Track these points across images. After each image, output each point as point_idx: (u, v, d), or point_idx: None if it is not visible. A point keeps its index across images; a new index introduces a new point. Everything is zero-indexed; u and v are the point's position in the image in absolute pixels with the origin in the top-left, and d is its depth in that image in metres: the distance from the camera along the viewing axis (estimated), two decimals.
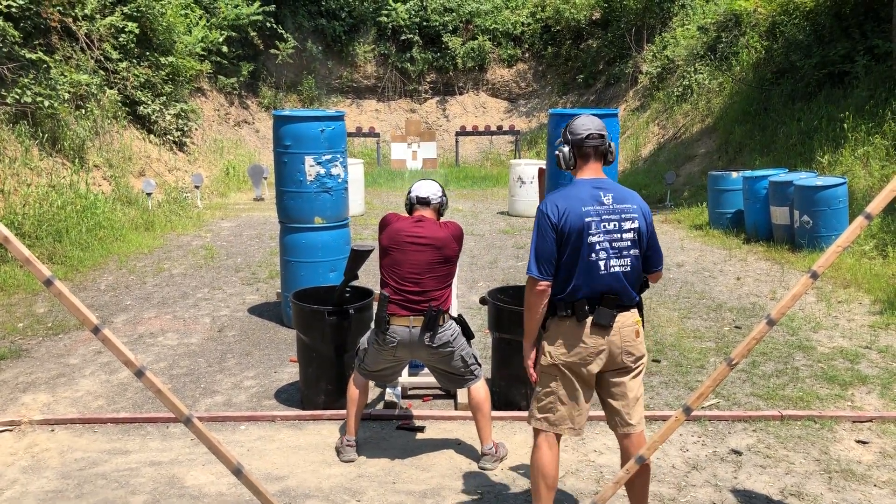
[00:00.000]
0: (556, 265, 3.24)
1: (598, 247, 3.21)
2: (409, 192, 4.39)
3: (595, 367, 3.28)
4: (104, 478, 4.16)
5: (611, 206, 3.25)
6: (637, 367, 3.36)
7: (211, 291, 8.15)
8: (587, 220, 3.20)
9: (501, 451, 4.32)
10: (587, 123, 3.35)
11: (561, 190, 3.36)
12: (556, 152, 3.42)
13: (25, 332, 6.75)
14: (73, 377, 5.72)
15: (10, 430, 4.77)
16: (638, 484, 3.40)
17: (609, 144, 3.37)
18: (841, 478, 4.13)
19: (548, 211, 3.25)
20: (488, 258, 9.68)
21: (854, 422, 4.82)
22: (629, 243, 3.26)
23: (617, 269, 3.24)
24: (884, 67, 11.97)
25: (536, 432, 3.41)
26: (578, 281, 3.22)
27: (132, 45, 13.84)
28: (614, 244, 3.23)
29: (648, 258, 3.36)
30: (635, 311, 3.34)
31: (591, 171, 3.35)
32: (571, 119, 3.43)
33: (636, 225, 3.27)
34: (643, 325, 3.38)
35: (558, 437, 3.40)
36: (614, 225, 3.24)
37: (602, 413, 3.54)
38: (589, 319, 3.24)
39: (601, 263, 3.21)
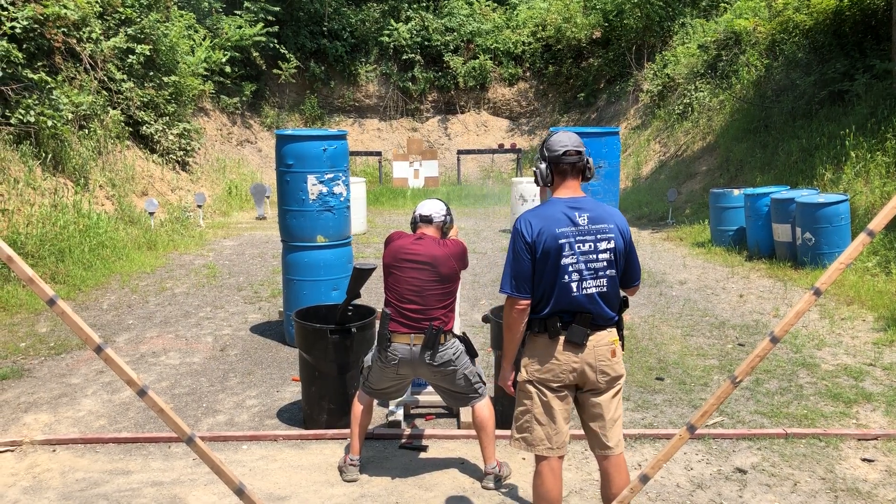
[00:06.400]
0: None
1: (570, 269, 3.19)
2: (414, 211, 4.42)
3: (568, 383, 3.26)
4: (106, 498, 4.14)
5: (586, 227, 3.22)
6: (613, 388, 3.32)
7: (213, 310, 8.14)
8: (561, 241, 3.18)
9: (505, 470, 4.29)
10: (564, 140, 3.31)
11: (536, 208, 3.33)
12: (534, 169, 3.40)
13: (27, 351, 6.75)
14: (75, 397, 5.71)
15: (12, 451, 4.75)
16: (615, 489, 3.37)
17: (587, 161, 3.34)
18: (847, 496, 4.10)
19: (522, 230, 3.22)
20: (491, 276, 9.68)
21: (859, 440, 4.80)
22: (605, 263, 3.23)
23: (592, 290, 3.21)
24: (884, 85, 12.02)
25: (538, 458, 3.38)
26: (551, 300, 3.21)
27: (138, 67, 13.95)
28: (590, 265, 3.20)
29: (625, 274, 3.34)
30: (613, 330, 3.30)
31: (569, 189, 3.31)
32: (549, 136, 3.42)
33: (612, 245, 3.24)
34: (622, 346, 3.35)
35: (560, 459, 3.38)
36: (589, 246, 3.21)
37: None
38: (561, 337, 3.22)
39: (573, 285, 3.19)
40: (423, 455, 4.67)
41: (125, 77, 13.71)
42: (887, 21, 12.54)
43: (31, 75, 11.00)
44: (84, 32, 12.83)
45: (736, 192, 11.25)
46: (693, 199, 14.73)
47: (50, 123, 10.64)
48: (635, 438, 4.82)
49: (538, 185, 3.37)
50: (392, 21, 22.69)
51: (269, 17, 20.03)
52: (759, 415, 5.25)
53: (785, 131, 13.58)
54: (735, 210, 11.11)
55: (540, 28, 22.73)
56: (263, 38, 19.76)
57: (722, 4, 19.03)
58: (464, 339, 4.32)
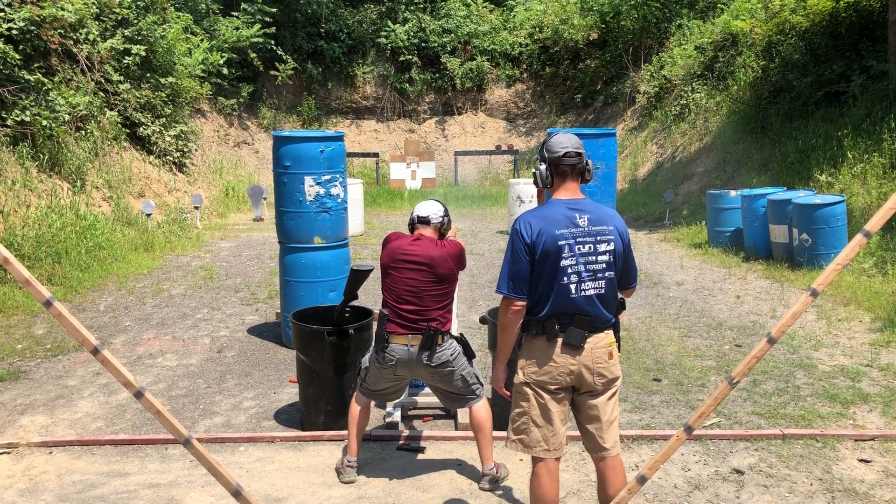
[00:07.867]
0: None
1: (570, 270, 3.18)
2: (412, 212, 4.43)
3: (565, 385, 3.25)
4: (102, 500, 4.13)
5: (586, 228, 3.21)
6: (610, 390, 3.32)
7: (210, 312, 8.13)
8: (561, 242, 3.17)
9: (502, 471, 4.29)
10: (564, 141, 3.30)
11: (536, 209, 3.32)
12: (533, 170, 3.38)
13: (24, 353, 6.73)
14: (72, 399, 5.70)
15: (8, 453, 4.74)
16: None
17: (587, 163, 3.33)
18: (844, 497, 4.11)
19: (522, 230, 3.22)
20: (488, 277, 9.68)
21: (856, 440, 4.80)
22: (604, 265, 3.23)
23: (590, 291, 3.21)
24: (880, 86, 12.04)
25: (534, 459, 3.37)
26: (549, 302, 3.20)
27: (135, 68, 13.94)
28: (589, 266, 3.20)
29: (623, 276, 3.34)
30: (610, 332, 3.30)
31: (568, 191, 3.30)
32: (549, 137, 3.41)
33: (612, 247, 3.24)
34: (619, 347, 3.35)
35: (557, 460, 3.37)
36: (589, 247, 3.21)
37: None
38: (559, 339, 3.22)
39: (572, 287, 3.18)
40: (420, 456, 4.66)
41: (122, 78, 13.69)
42: (883, 22, 12.57)
43: (27, 76, 10.99)
44: (81, 34, 12.81)
45: (733, 193, 11.26)
46: (690, 200, 14.74)
47: (45, 124, 10.61)
48: (632, 439, 4.82)
49: (537, 186, 3.37)
50: (389, 22, 22.67)
51: (267, 19, 20.01)
52: (756, 416, 5.26)
53: (781, 132, 13.59)
54: (732, 211, 11.13)
55: (537, 29, 22.71)
56: (260, 40, 19.75)
57: (719, 6, 19.04)
58: (461, 340, 4.32)
